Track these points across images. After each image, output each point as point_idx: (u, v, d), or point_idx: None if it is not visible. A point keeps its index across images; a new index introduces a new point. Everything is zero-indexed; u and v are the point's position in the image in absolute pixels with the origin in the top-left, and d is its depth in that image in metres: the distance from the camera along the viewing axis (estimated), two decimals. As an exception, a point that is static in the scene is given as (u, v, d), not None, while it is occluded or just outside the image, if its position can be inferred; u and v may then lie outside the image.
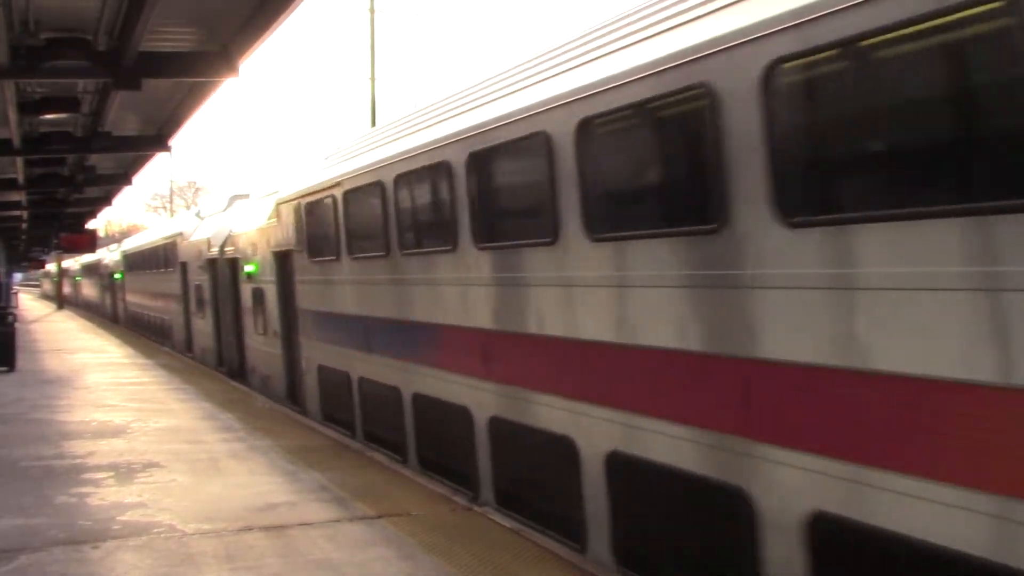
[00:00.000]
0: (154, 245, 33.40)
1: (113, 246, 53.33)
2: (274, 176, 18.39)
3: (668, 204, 7.14)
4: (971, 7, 4.63)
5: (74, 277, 75.33)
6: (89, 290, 63.99)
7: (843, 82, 5.55)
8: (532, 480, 9.01)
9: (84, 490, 10.52)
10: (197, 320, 25.96)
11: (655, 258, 6.90)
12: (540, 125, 8.09)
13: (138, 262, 37.77)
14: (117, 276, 45.62)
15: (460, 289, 9.91)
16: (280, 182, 17.09)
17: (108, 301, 50.78)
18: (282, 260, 16.38)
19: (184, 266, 26.92)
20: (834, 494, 5.47)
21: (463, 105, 9.98)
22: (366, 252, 12.48)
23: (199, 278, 24.67)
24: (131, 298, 41.25)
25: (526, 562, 7.68)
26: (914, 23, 4.87)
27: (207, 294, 23.76)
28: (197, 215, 27.56)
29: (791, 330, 5.76)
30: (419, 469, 11.25)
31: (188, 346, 27.59)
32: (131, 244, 43.08)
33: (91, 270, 61.40)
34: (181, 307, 28.17)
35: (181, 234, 27.45)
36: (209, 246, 22.76)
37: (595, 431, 7.68)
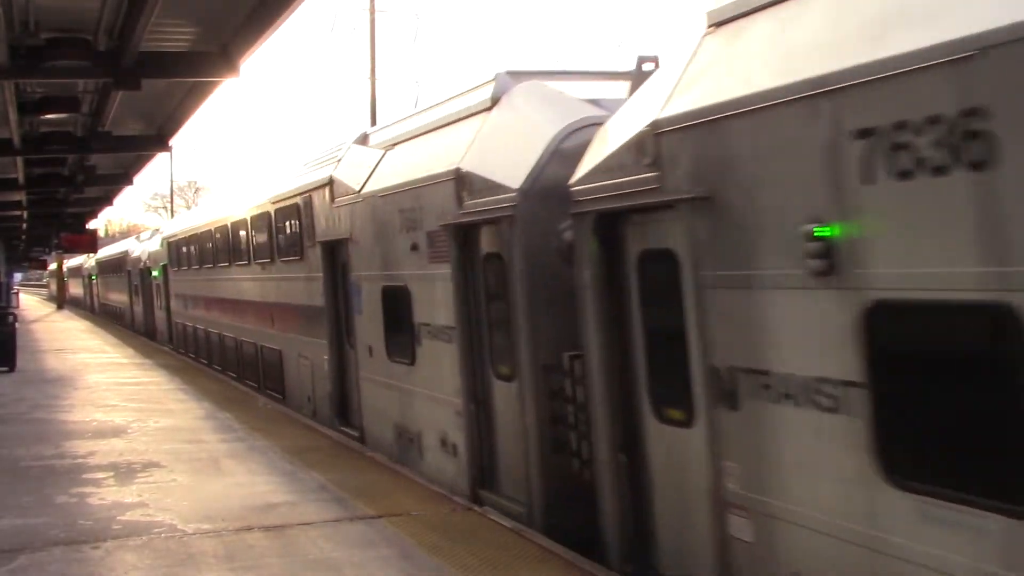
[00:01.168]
0: (238, 219, 19.47)
1: (144, 234, 41.51)
2: None
3: None
4: None
5: (89, 276, 59.48)
6: (110, 293, 49.27)
7: None
8: None
9: (84, 490, 10.52)
10: (413, 375, 11.13)
11: None
12: None
13: (198, 250, 24.06)
14: (155, 274, 32.04)
15: None
16: None
17: (138, 309, 37.76)
18: None
19: (336, 250, 13.41)
20: None
21: None
22: None
23: (416, 270, 10.78)
24: (183, 308, 27.42)
25: (527, 562, 7.68)
26: None
27: (480, 314, 9.69)
28: (360, 141, 13.44)
29: None
30: None
31: (340, 415, 13.71)
32: (182, 224, 28.66)
33: (113, 267, 46.37)
34: (323, 334, 13.99)
35: (330, 184, 13.32)
36: (463, 190, 9.58)
37: None
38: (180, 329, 28.31)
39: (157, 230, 36.35)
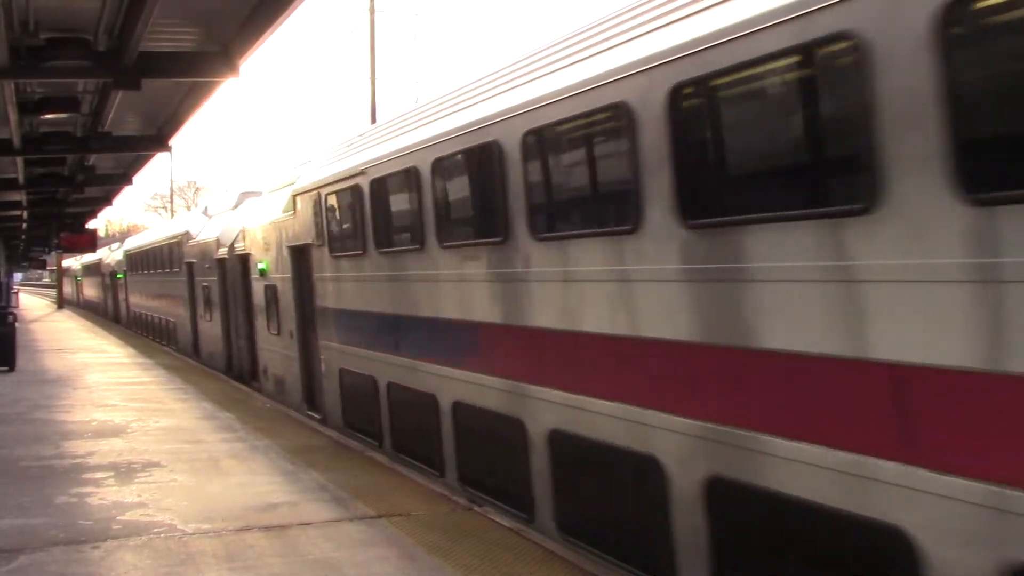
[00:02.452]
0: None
1: (211, 204, 27.81)
2: None
3: None
4: None
5: (113, 274, 43.82)
6: (150, 299, 34.01)
7: None
8: None
9: (84, 490, 10.51)
10: None
11: None
12: None
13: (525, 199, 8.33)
14: (262, 267, 17.50)
15: None
16: None
17: (209, 328, 23.83)
18: None
19: None
20: None
21: None
22: None
23: None
24: (391, 339, 11.63)
25: (527, 562, 7.68)
26: None
27: None
28: None
29: None
30: None
31: None
32: (370, 149, 11.98)
33: (157, 260, 31.31)
34: None
35: None
36: None
37: None
38: (356, 392, 13.15)
39: (247, 194, 22.38)
